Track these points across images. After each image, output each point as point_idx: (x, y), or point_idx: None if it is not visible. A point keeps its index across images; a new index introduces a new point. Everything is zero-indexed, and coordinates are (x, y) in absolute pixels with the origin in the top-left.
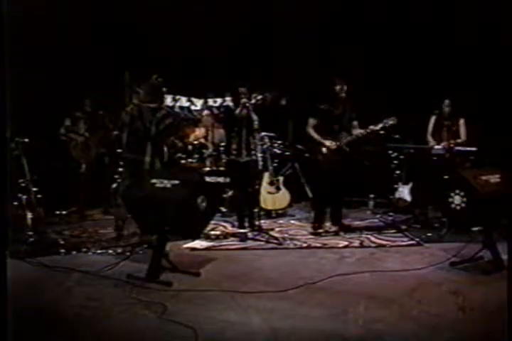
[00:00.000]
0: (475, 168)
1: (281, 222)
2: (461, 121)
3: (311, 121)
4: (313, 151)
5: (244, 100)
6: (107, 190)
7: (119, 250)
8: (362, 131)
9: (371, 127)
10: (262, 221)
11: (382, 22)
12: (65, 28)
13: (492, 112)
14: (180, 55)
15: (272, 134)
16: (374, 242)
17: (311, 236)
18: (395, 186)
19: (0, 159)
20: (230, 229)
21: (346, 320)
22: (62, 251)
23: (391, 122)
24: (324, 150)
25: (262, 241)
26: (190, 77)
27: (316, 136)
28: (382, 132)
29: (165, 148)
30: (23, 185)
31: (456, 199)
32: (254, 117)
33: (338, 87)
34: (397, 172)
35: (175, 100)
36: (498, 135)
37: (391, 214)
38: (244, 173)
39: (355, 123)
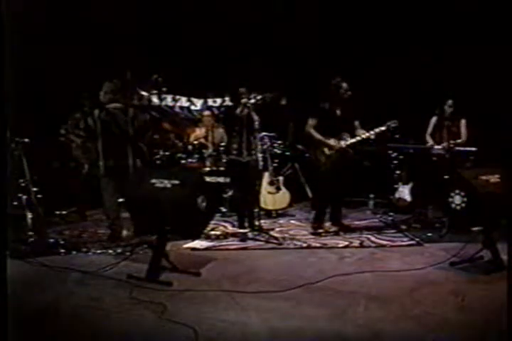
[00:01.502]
0: (475, 168)
1: (281, 221)
2: (463, 122)
3: (311, 122)
4: (315, 151)
5: (244, 100)
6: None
7: (119, 250)
8: (366, 133)
9: (375, 130)
10: (262, 221)
11: (383, 21)
12: (65, 28)
13: (492, 112)
14: (181, 55)
15: (272, 134)
16: (374, 242)
17: (311, 236)
18: (395, 186)
19: (0, 159)
20: (230, 229)
21: (346, 320)
22: (62, 251)
23: (393, 125)
24: (327, 150)
25: (262, 241)
26: (190, 77)
27: (318, 136)
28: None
29: (144, 148)
30: (23, 185)
31: (456, 199)
32: (255, 117)
33: (343, 88)
34: (397, 172)
35: (175, 100)
36: (498, 135)
37: (391, 214)
38: (245, 173)
39: (356, 123)
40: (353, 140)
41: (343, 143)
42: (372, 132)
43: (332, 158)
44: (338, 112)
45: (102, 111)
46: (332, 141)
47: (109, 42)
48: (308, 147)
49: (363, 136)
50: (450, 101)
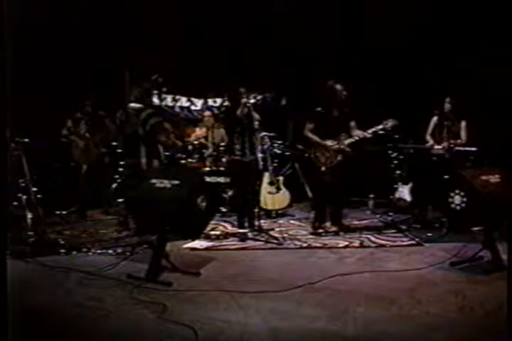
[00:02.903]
0: (475, 168)
1: (281, 222)
2: (463, 124)
3: (308, 125)
4: (314, 152)
5: (244, 100)
6: (107, 190)
7: (119, 250)
8: (363, 132)
9: (372, 129)
10: (262, 221)
11: (382, 22)
12: (65, 28)
13: (492, 112)
14: (181, 55)
15: (272, 134)
16: (374, 242)
17: (311, 236)
18: (395, 186)
19: (0, 159)
20: (230, 229)
21: (346, 320)
22: (62, 251)
23: (391, 124)
24: (325, 152)
25: (262, 241)
26: (190, 77)
27: (315, 139)
28: (381, 132)
29: (160, 148)
30: (23, 185)
31: (456, 199)
32: (256, 117)
33: (338, 90)
34: (397, 172)
35: (175, 100)
36: (498, 135)
37: (391, 214)
38: (246, 173)
39: (352, 123)
40: (351, 140)
41: (340, 144)
42: (369, 131)
43: (331, 158)
44: (335, 113)
45: (122, 112)
46: (329, 142)
47: (109, 41)
48: (308, 147)
49: (361, 136)
50: (449, 98)
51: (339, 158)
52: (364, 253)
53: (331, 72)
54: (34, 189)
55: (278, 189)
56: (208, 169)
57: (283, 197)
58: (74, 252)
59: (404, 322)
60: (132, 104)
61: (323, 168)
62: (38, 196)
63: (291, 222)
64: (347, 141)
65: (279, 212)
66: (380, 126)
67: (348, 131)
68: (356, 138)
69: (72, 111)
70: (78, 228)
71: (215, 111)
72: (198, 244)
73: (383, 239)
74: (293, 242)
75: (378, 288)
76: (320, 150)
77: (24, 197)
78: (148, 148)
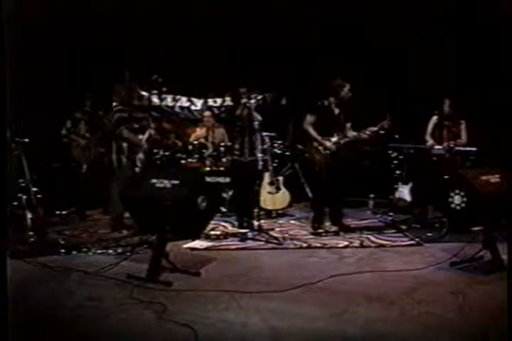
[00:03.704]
0: (475, 168)
1: (281, 222)
2: (463, 125)
3: (309, 118)
4: (310, 150)
5: (244, 100)
6: (107, 190)
7: (119, 250)
8: (359, 133)
9: (368, 130)
10: (262, 221)
11: (382, 22)
12: (65, 28)
13: (492, 112)
14: (181, 54)
15: (272, 134)
16: (374, 242)
17: (311, 236)
18: (395, 186)
19: (0, 159)
20: (230, 229)
21: (346, 320)
22: (62, 251)
23: (387, 126)
24: (322, 149)
25: (262, 241)
26: (190, 77)
27: (314, 134)
28: (382, 132)
29: (124, 144)
30: (23, 185)
31: (456, 199)
32: (257, 117)
33: (345, 89)
34: (397, 172)
35: (175, 100)
36: (498, 135)
37: (391, 214)
38: (246, 173)
39: (348, 125)
40: (347, 139)
41: (332, 144)
42: (366, 131)
43: (326, 157)
44: (336, 111)
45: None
46: (327, 142)
47: (109, 41)
48: (306, 146)
49: (357, 136)
50: (448, 101)
51: (334, 157)
52: (364, 253)
53: (332, 71)
54: (34, 189)
55: (278, 189)
56: (208, 169)
57: (283, 197)
58: (74, 252)
59: (404, 322)
60: (113, 104)
61: (317, 168)
62: (38, 196)
63: (291, 222)
64: (343, 141)
65: (279, 212)
66: (376, 128)
67: (343, 131)
68: (352, 138)
69: (72, 111)
70: (78, 228)
71: (215, 111)
72: (198, 244)
73: (383, 239)
74: (293, 242)
75: (378, 288)
76: (316, 148)
77: (24, 197)
78: (116, 144)
